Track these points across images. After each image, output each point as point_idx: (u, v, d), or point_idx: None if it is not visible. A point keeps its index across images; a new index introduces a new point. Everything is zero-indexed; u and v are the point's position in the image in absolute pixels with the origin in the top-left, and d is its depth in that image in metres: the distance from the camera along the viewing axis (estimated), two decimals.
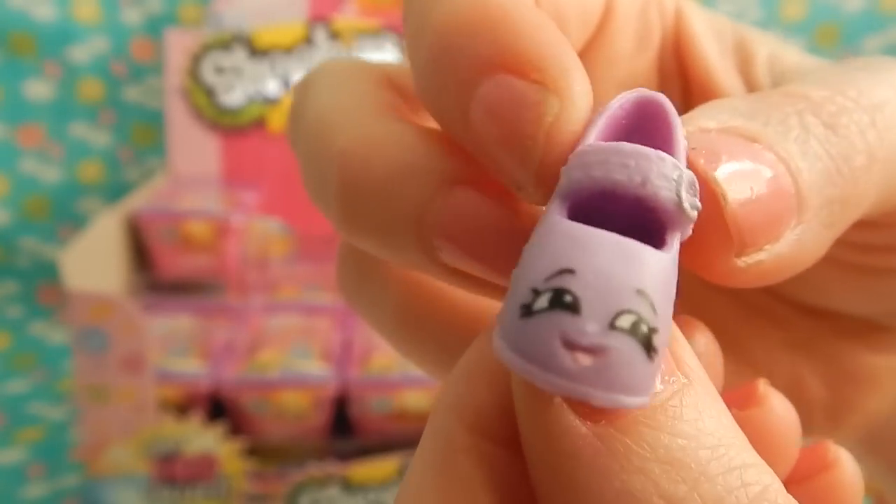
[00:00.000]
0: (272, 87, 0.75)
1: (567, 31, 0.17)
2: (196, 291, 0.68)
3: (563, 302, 0.11)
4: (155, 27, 0.81)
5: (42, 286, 0.80)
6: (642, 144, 0.13)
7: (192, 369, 0.57)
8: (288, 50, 0.74)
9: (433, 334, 0.18)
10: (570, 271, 0.11)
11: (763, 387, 0.16)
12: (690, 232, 0.12)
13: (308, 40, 0.74)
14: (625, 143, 0.12)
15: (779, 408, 0.16)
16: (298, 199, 0.76)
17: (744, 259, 0.14)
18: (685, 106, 0.19)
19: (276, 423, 0.56)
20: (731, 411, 0.14)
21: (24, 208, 0.81)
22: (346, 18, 0.75)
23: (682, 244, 0.12)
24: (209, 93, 0.74)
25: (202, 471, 0.53)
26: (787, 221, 0.14)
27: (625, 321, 0.11)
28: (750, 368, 0.21)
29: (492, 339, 0.12)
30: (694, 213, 0.12)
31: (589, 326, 0.11)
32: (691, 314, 0.23)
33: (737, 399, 0.16)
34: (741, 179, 0.14)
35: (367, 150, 0.15)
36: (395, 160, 0.15)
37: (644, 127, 0.13)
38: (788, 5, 0.85)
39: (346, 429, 0.57)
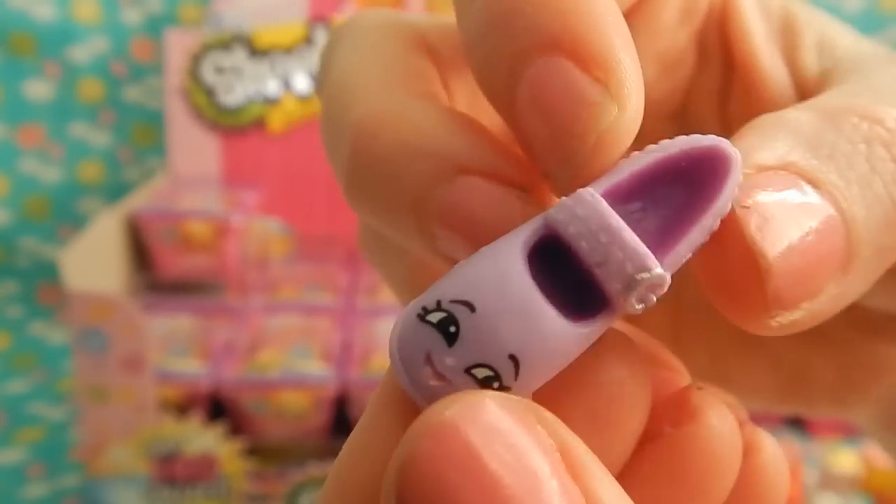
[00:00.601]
0: (272, 87, 0.75)
1: None
2: (196, 291, 0.68)
3: (447, 329, 0.12)
4: (155, 27, 0.81)
5: (42, 286, 0.80)
6: (690, 194, 0.13)
7: (192, 369, 0.57)
8: (288, 50, 0.74)
9: None
10: (472, 308, 0.12)
11: (697, 398, 0.14)
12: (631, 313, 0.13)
13: (308, 40, 0.74)
14: (615, 218, 0.12)
15: (716, 423, 0.14)
16: (298, 199, 0.76)
17: (777, 320, 0.13)
18: (725, 86, 0.19)
19: (276, 423, 0.56)
20: (664, 430, 0.14)
21: (24, 208, 0.81)
22: None
23: (716, 287, 0.13)
24: (209, 93, 0.74)
25: (202, 471, 0.53)
26: (831, 277, 0.13)
27: (481, 373, 0.12)
28: (759, 353, 0.21)
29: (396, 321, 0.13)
30: (639, 307, 0.12)
31: (449, 360, 0.12)
32: (702, 298, 0.22)
33: (670, 413, 0.14)
34: (788, 234, 0.13)
35: (379, 125, 0.14)
36: (403, 139, 0.14)
37: (701, 176, 0.13)
38: None
39: (346, 429, 0.57)
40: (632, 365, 0.13)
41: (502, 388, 0.12)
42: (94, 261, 0.59)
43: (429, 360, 0.12)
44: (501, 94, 0.13)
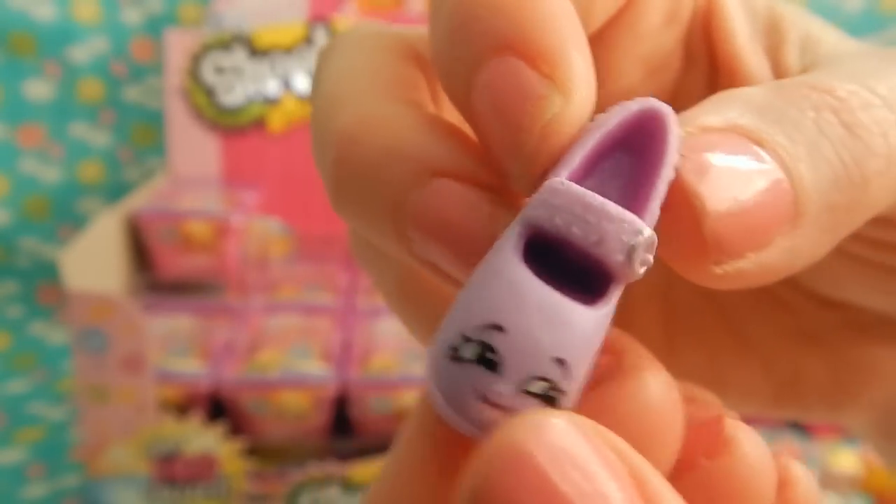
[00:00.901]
0: (272, 87, 0.75)
1: (595, 2, 0.16)
2: (196, 291, 0.68)
3: (487, 359, 0.12)
4: (155, 27, 0.81)
5: (42, 286, 0.80)
6: (634, 157, 0.13)
7: (192, 369, 0.57)
8: (288, 50, 0.74)
9: (435, 312, 0.18)
10: (500, 328, 0.12)
11: (731, 427, 0.14)
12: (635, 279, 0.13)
13: (308, 40, 0.74)
14: (594, 196, 0.12)
15: (751, 455, 0.14)
16: (298, 199, 0.76)
17: (722, 267, 0.13)
18: (710, 88, 0.19)
19: (276, 423, 0.56)
20: (699, 462, 0.14)
21: (24, 208, 0.81)
22: (346, 18, 0.75)
23: (662, 245, 0.13)
24: (209, 93, 0.74)
25: (202, 471, 0.53)
26: (778, 230, 0.14)
27: (537, 387, 0.12)
28: (752, 355, 0.21)
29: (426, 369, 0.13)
30: (642, 271, 0.12)
31: (502, 388, 0.12)
32: (702, 301, 0.22)
33: (703, 442, 0.14)
34: (730, 186, 0.13)
35: (360, 132, 0.15)
36: (382, 144, 0.14)
37: (639, 139, 0.13)
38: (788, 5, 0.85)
39: (346, 429, 0.57)
40: (662, 390, 0.13)
41: (560, 393, 0.12)
42: (94, 261, 0.59)
43: (480, 395, 0.12)
44: (460, 95, 0.14)
